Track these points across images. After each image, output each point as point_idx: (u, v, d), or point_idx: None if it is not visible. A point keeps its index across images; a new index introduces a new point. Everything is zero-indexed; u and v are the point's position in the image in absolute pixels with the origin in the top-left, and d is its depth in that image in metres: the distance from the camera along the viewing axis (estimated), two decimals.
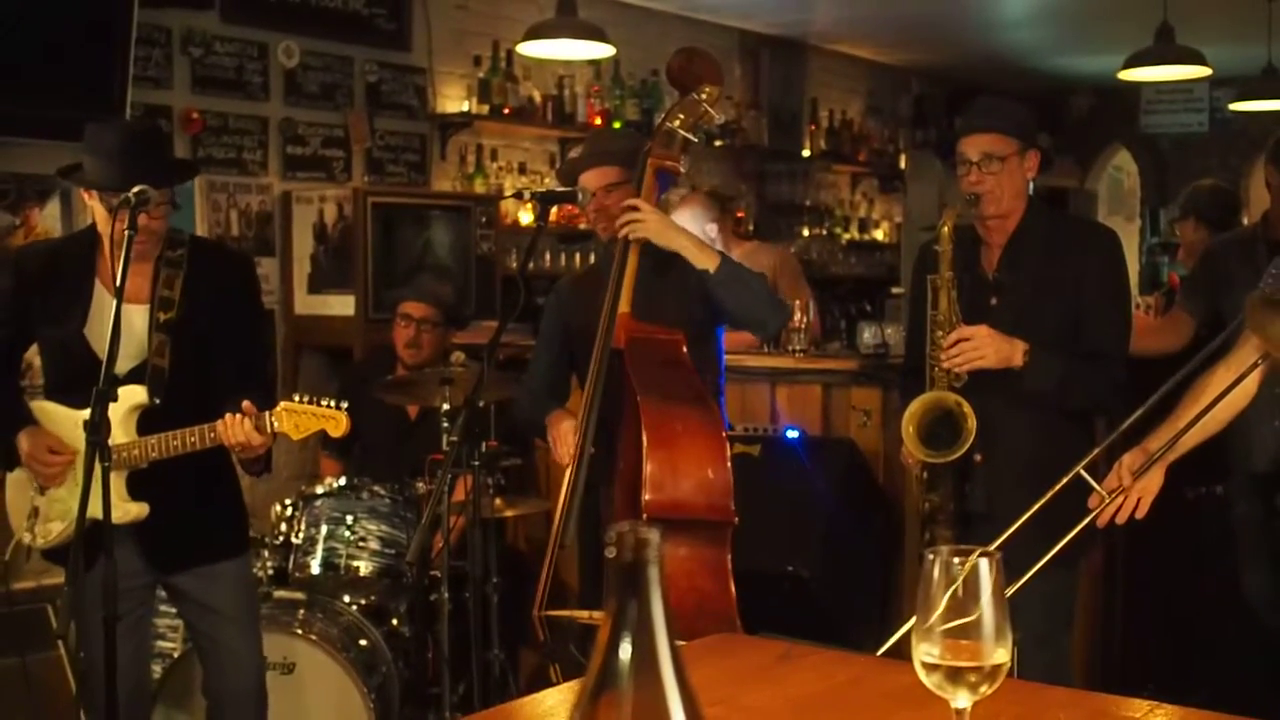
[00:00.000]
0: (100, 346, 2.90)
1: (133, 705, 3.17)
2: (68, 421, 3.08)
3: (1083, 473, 2.60)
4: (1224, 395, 2.59)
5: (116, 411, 2.92)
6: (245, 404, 2.98)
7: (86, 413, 2.88)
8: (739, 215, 8.04)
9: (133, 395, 3.03)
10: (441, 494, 3.39)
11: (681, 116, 3.22)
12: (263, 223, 5.64)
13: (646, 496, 2.92)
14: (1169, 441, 2.63)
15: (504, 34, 6.43)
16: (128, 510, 3.06)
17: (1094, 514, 2.64)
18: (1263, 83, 7.13)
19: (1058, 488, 2.57)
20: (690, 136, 3.23)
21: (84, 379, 2.89)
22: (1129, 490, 2.66)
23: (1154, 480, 2.68)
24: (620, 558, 0.88)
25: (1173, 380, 2.65)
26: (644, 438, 2.94)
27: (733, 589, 3.04)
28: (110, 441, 2.86)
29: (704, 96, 3.20)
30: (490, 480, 4.14)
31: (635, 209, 3.18)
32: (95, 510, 2.86)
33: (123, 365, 2.99)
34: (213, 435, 3.01)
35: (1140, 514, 2.70)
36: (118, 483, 3.02)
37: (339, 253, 5.53)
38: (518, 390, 3.75)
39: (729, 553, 3.06)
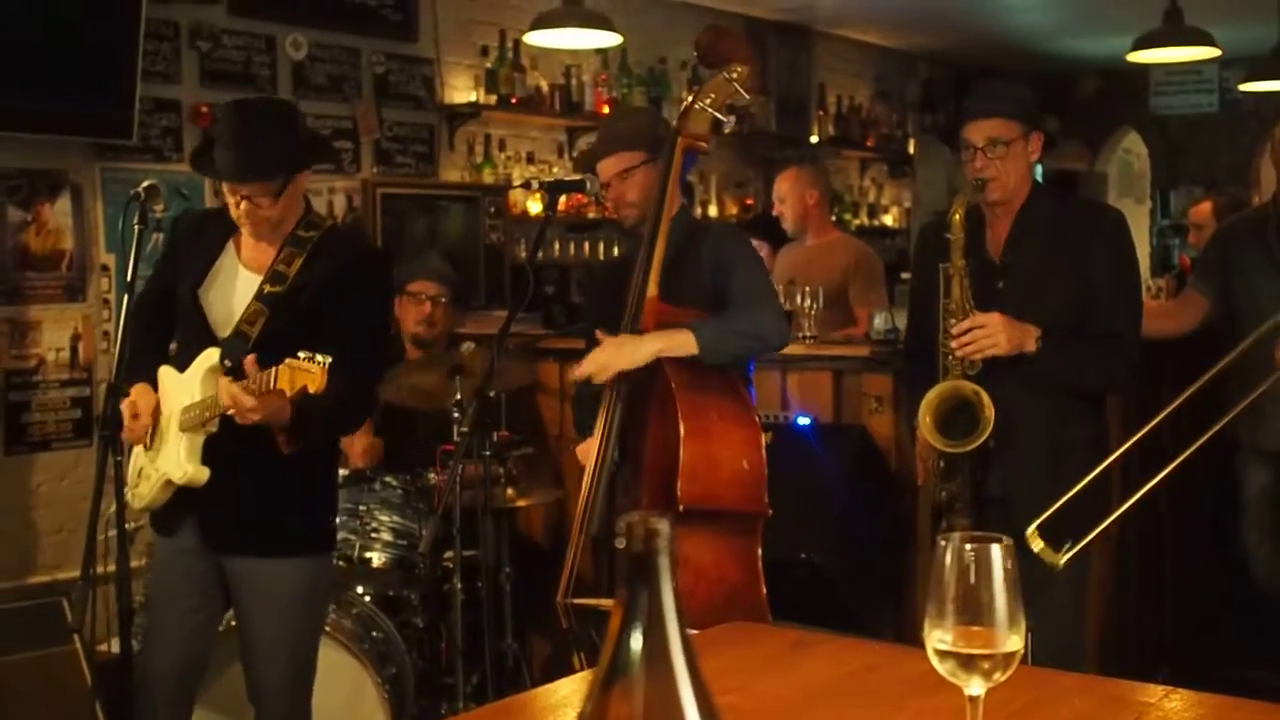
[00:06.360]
0: (209, 309, 2.97)
1: (175, 703, 3.12)
2: (175, 383, 3.05)
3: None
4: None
5: (197, 371, 2.95)
6: (246, 359, 2.84)
7: (188, 375, 2.95)
8: (748, 202, 8.05)
9: (210, 357, 2.98)
10: (453, 484, 3.39)
11: (712, 96, 3.15)
12: None
13: (682, 486, 2.89)
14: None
15: (511, 24, 6.42)
16: (186, 470, 2.96)
17: (1115, 515, 2.62)
18: (1272, 63, 7.10)
19: (1080, 486, 2.57)
20: (720, 116, 3.20)
21: (196, 339, 2.96)
22: None
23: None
24: (630, 547, 0.88)
25: (1213, 370, 2.63)
26: (681, 427, 2.91)
27: (763, 581, 3.01)
28: (185, 400, 2.93)
29: (734, 76, 3.14)
30: (502, 470, 4.14)
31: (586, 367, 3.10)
32: (170, 472, 2.92)
33: (228, 329, 3.01)
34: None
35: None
36: (194, 443, 2.97)
37: None
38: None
39: (759, 544, 3.04)
